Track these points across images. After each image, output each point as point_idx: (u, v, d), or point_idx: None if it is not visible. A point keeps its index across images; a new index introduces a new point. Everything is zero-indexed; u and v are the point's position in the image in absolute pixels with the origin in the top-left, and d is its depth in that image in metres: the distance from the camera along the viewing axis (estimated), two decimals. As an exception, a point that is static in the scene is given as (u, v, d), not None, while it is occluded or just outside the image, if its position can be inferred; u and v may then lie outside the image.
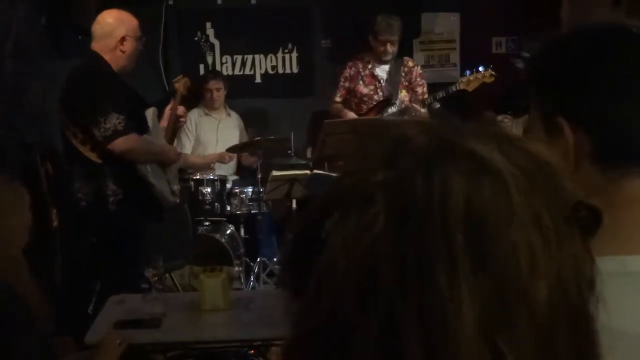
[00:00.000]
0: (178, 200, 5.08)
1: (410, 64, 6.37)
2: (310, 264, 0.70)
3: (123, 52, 4.52)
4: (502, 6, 7.47)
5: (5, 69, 5.16)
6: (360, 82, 6.31)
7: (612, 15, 6.99)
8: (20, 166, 5.10)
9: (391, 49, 6.16)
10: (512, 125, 6.20)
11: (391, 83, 6.24)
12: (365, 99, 6.28)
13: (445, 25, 7.58)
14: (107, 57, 4.49)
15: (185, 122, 5.43)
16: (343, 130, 5.12)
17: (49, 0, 5.98)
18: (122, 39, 4.50)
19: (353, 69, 6.36)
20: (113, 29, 4.51)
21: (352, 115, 6.19)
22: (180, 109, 5.10)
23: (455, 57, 7.60)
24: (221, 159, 6.72)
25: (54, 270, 4.97)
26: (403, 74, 6.28)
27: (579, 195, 0.73)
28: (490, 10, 7.49)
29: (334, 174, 4.86)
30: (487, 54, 7.54)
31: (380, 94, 6.26)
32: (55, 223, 4.84)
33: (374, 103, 6.25)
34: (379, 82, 6.28)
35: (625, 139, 1.18)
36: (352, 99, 6.36)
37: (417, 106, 5.98)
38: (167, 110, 5.05)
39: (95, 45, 4.54)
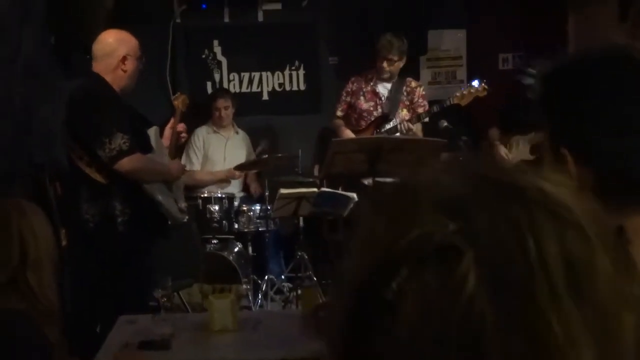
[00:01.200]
0: (186, 218, 5.09)
1: (413, 84, 6.38)
2: (370, 329, 0.64)
3: (124, 71, 4.53)
4: (508, 22, 7.50)
5: (15, 90, 5.20)
6: (362, 97, 6.35)
7: (619, 33, 7.01)
8: (30, 186, 5.13)
9: (389, 67, 6.17)
10: (520, 142, 6.23)
11: (392, 101, 6.27)
12: (364, 114, 6.31)
13: (451, 42, 7.61)
14: (108, 78, 4.50)
15: (186, 138, 5.45)
16: (351, 149, 5.13)
17: (58, 20, 6.02)
18: (124, 59, 4.52)
19: (355, 84, 6.41)
20: (114, 49, 4.53)
21: (349, 134, 6.20)
22: (180, 126, 5.12)
23: (462, 73, 7.62)
24: (230, 176, 6.76)
25: (62, 290, 4.98)
26: (405, 94, 6.31)
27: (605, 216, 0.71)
28: (496, 27, 7.52)
29: (341, 192, 4.87)
30: (494, 70, 7.57)
31: (380, 110, 6.29)
32: (64, 243, 4.86)
33: (372, 119, 6.27)
34: (380, 98, 6.31)
35: (625, 173, 1.19)
36: (352, 113, 6.40)
37: (409, 124, 5.97)
38: (168, 128, 5.07)
39: (97, 66, 4.56)
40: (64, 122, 4.47)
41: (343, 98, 6.46)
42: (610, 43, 1.33)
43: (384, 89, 6.32)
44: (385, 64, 6.16)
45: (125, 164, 4.31)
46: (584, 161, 1.20)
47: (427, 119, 6.12)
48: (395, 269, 0.63)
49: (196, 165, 6.84)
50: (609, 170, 1.18)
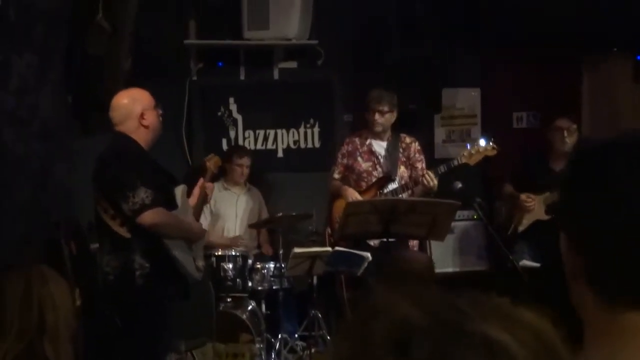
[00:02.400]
0: (201, 277, 5.10)
1: (408, 140, 6.31)
2: None
3: (146, 126, 4.60)
4: (522, 81, 7.53)
5: (32, 149, 5.26)
6: (359, 158, 6.27)
7: (633, 93, 7.03)
8: (45, 245, 5.16)
9: (380, 118, 6.12)
10: (535, 202, 6.20)
11: (389, 159, 6.21)
12: (364, 174, 6.23)
13: (466, 100, 7.64)
14: (133, 136, 4.58)
15: (210, 199, 5.50)
16: (365, 210, 5.14)
17: (76, 80, 6.11)
18: (142, 115, 4.59)
19: (350, 145, 6.34)
20: (130, 110, 4.59)
21: (354, 193, 6.14)
22: (209, 186, 5.18)
23: (476, 132, 7.63)
24: (234, 244, 6.75)
25: (77, 350, 4.98)
26: (401, 150, 6.25)
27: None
28: (510, 85, 7.56)
29: (355, 252, 4.88)
30: (508, 128, 7.58)
31: (379, 169, 6.22)
32: (78, 302, 4.87)
33: (373, 179, 6.23)
34: (377, 158, 6.24)
35: (616, 267, 1.14)
36: (351, 175, 6.31)
37: (431, 174, 5.87)
38: (197, 188, 5.12)
39: (120, 127, 4.62)
40: (92, 177, 4.50)
41: (339, 160, 6.38)
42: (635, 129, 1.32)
43: (380, 147, 6.27)
44: (376, 116, 6.09)
45: (147, 217, 4.36)
46: (577, 249, 1.18)
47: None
48: None
49: (204, 224, 6.83)
50: (601, 262, 1.15)
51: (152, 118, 4.63)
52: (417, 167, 6.16)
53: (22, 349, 2.54)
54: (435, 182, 5.78)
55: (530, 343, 0.73)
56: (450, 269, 7.00)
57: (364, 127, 6.41)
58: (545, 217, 6.17)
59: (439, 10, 7.05)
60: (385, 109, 6.09)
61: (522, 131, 7.61)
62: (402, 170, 6.19)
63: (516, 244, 6.16)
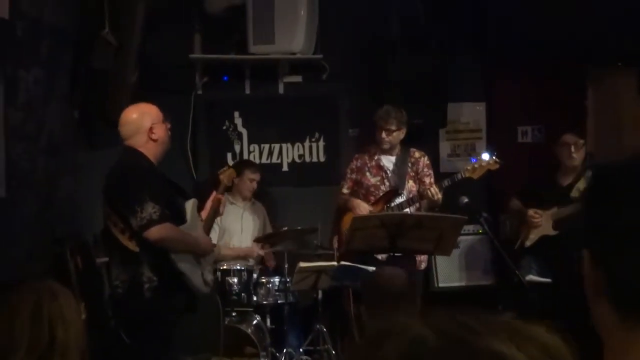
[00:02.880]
0: (208, 291, 5.10)
1: (417, 154, 6.35)
2: None
3: (155, 140, 4.64)
4: (527, 95, 7.54)
5: (39, 165, 5.28)
6: (367, 173, 6.31)
7: (639, 107, 7.03)
8: (51, 260, 5.17)
9: (387, 136, 6.15)
10: (541, 218, 6.20)
11: (398, 174, 6.24)
12: (372, 189, 6.27)
13: (471, 114, 7.65)
14: (142, 150, 4.61)
15: (223, 212, 5.49)
16: (371, 224, 5.14)
17: (82, 94, 6.13)
18: (151, 130, 4.63)
19: (359, 160, 6.39)
20: (140, 124, 4.63)
21: (360, 203, 6.16)
22: (222, 199, 5.20)
23: (481, 146, 7.63)
24: (249, 254, 6.78)
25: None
26: (410, 164, 6.28)
27: None
28: (515, 100, 7.56)
29: (360, 266, 4.86)
30: (513, 143, 7.58)
31: (387, 184, 6.25)
32: (83, 316, 4.87)
33: (381, 193, 6.25)
34: (386, 172, 6.27)
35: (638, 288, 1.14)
36: (360, 190, 6.35)
37: (435, 188, 5.89)
38: (210, 201, 5.14)
39: (129, 142, 4.64)
40: (102, 191, 4.55)
41: (348, 175, 6.44)
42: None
43: (388, 162, 6.30)
44: (383, 134, 6.14)
45: (154, 232, 4.39)
46: (601, 268, 1.18)
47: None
48: None
49: (214, 238, 6.84)
50: (624, 283, 1.15)
51: (161, 132, 4.66)
52: (424, 182, 6.17)
53: None
54: (440, 196, 5.80)
55: (540, 358, 0.74)
56: (456, 284, 7.00)
57: (372, 142, 6.43)
58: (553, 233, 6.16)
59: (443, 25, 7.06)
60: (393, 127, 6.11)
61: (527, 145, 7.60)
62: (411, 185, 6.21)
63: (523, 258, 6.16)
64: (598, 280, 1.17)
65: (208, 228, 5.07)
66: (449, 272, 6.95)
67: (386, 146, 6.20)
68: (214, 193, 5.17)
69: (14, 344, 2.56)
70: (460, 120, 7.63)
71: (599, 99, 7.56)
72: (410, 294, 3.37)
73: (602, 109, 7.51)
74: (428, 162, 6.36)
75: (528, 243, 6.26)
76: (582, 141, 6.34)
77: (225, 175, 5.34)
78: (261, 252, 6.85)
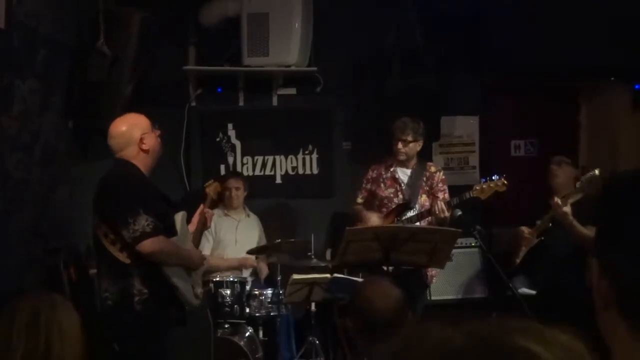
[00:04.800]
0: (199, 304, 5.10)
1: (433, 169, 6.36)
2: None
3: (146, 150, 4.59)
4: (520, 109, 7.61)
5: (33, 174, 5.29)
6: (382, 184, 6.30)
7: (632, 122, 7.09)
8: (45, 271, 5.18)
9: (403, 147, 6.16)
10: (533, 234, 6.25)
11: (412, 187, 6.24)
12: (385, 201, 6.26)
13: (464, 128, 7.69)
14: (134, 162, 4.58)
15: (210, 226, 5.50)
16: (365, 237, 5.16)
17: (76, 105, 6.15)
18: (141, 140, 4.59)
19: (375, 171, 6.37)
20: (129, 137, 4.60)
21: (372, 215, 6.18)
22: (209, 213, 5.20)
23: (474, 159, 7.68)
24: (242, 263, 6.80)
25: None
26: (424, 179, 6.28)
27: None
28: (508, 114, 7.64)
29: (354, 278, 4.87)
30: (506, 156, 7.65)
31: (401, 196, 6.24)
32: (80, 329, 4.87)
33: (394, 206, 6.26)
34: (400, 185, 6.26)
35: None
36: (373, 200, 6.34)
37: (443, 205, 5.90)
38: (197, 214, 5.13)
39: (120, 154, 4.63)
40: (93, 200, 4.51)
41: (364, 185, 6.43)
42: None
43: (403, 174, 6.29)
44: (400, 145, 6.14)
45: (147, 245, 4.35)
46: (609, 278, 1.18)
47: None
48: None
49: (207, 249, 6.85)
50: (631, 294, 1.15)
51: (151, 141, 4.63)
52: (438, 197, 6.17)
53: None
54: (447, 213, 5.81)
55: (563, 357, 0.76)
56: (449, 297, 7.02)
57: (363, 155, 6.48)
58: (535, 241, 6.22)
59: (438, 39, 7.11)
60: (409, 138, 6.12)
61: (520, 159, 7.67)
62: (424, 199, 6.21)
63: (515, 273, 6.20)
64: (608, 290, 1.17)
65: (197, 241, 5.06)
66: (442, 285, 6.97)
67: (402, 157, 6.20)
68: (201, 206, 5.18)
69: (10, 352, 2.57)
70: (453, 134, 7.68)
71: (592, 114, 7.62)
72: (398, 315, 3.27)
73: (596, 124, 7.57)
74: (443, 177, 6.36)
75: (517, 260, 6.32)
76: (565, 160, 6.36)
77: (211, 189, 5.35)
78: (254, 264, 6.87)
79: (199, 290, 4.87)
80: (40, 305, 2.64)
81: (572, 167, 6.40)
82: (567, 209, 5.81)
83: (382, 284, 3.48)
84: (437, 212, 5.86)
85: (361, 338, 3.27)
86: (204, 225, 5.15)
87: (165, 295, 4.55)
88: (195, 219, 5.13)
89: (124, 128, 4.64)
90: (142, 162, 4.60)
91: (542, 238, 6.20)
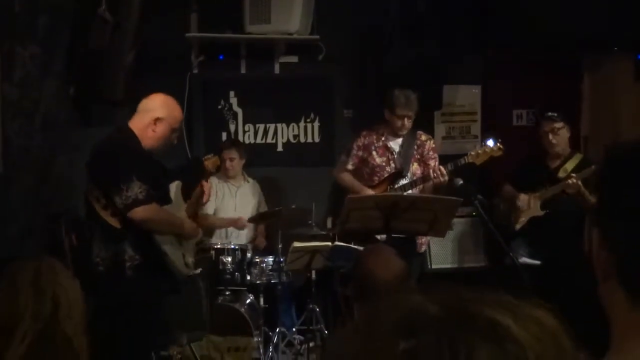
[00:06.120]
0: (191, 273, 5.10)
1: (423, 137, 6.34)
2: None
3: (154, 132, 4.57)
4: (523, 79, 7.57)
5: (34, 141, 5.30)
6: (374, 152, 6.27)
7: (634, 92, 7.06)
8: (46, 237, 5.20)
9: (408, 123, 6.16)
10: (531, 199, 6.26)
11: (404, 156, 6.22)
12: (377, 169, 6.25)
13: (466, 97, 7.68)
14: (137, 133, 4.56)
15: (207, 198, 5.48)
16: (366, 205, 5.16)
17: (78, 72, 6.13)
18: (157, 120, 4.56)
19: (367, 138, 6.31)
20: (153, 108, 4.59)
21: (364, 189, 6.15)
22: (207, 185, 5.20)
23: (476, 129, 7.68)
24: (234, 224, 6.82)
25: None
26: (416, 147, 6.27)
27: (579, 356, 0.80)
28: (511, 83, 7.60)
29: (355, 246, 4.89)
30: (508, 126, 7.63)
31: (393, 165, 6.24)
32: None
33: (386, 174, 6.26)
34: (392, 154, 6.25)
35: None
36: (364, 168, 6.32)
37: (443, 169, 5.86)
38: (199, 188, 5.11)
39: (133, 119, 4.60)
40: (86, 163, 4.49)
41: (354, 152, 6.36)
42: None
43: (395, 144, 6.27)
44: (405, 121, 6.12)
45: (139, 213, 4.35)
46: (609, 248, 1.17)
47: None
48: None
49: (210, 211, 6.88)
50: (631, 264, 1.14)
51: (162, 131, 4.59)
52: (429, 165, 6.16)
53: (41, 329, 2.58)
54: (447, 177, 5.81)
55: (534, 330, 0.77)
56: (448, 265, 7.05)
57: (364, 123, 6.45)
58: (541, 213, 6.24)
59: (441, 7, 7.07)
60: (413, 113, 6.10)
61: (521, 129, 7.65)
62: (415, 167, 6.21)
63: (513, 241, 6.21)
64: (607, 261, 1.16)
65: (190, 213, 5.05)
66: (442, 254, 7.00)
67: (404, 132, 6.20)
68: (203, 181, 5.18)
69: (20, 312, 2.60)
70: (455, 103, 7.66)
71: (594, 84, 7.59)
72: (405, 285, 3.28)
73: (598, 94, 7.55)
74: (434, 145, 6.36)
75: (518, 226, 6.33)
76: (559, 125, 6.34)
77: (209, 162, 5.35)
78: (246, 224, 6.84)
79: (190, 259, 4.87)
80: (41, 266, 2.67)
81: (565, 128, 6.38)
82: (580, 183, 5.86)
83: (384, 255, 3.48)
84: (437, 175, 5.85)
85: (361, 307, 3.29)
86: (200, 197, 5.15)
87: (157, 262, 4.55)
88: (196, 192, 5.13)
89: (157, 100, 4.63)
90: (145, 139, 4.56)
91: (547, 210, 6.22)
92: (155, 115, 4.57)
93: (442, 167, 5.87)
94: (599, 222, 1.22)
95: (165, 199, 4.64)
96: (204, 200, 5.27)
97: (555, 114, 6.38)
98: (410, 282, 3.32)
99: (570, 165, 6.28)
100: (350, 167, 6.36)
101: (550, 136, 6.32)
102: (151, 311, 4.57)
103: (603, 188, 1.24)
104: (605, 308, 1.19)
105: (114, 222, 4.43)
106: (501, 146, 5.97)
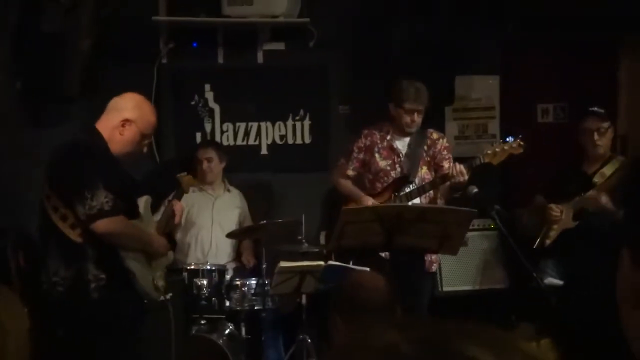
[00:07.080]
0: (162, 298, 5.11)
1: (435, 135, 6.36)
2: None
3: (121, 135, 4.62)
4: (549, 68, 7.58)
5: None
6: (377, 154, 6.29)
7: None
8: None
9: (418, 119, 6.17)
10: (564, 209, 6.27)
11: (411, 158, 6.22)
12: (381, 174, 6.26)
13: (482, 89, 7.70)
14: (105, 136, 4.59)
15: (179, 221, 5.50)
16: (364, 218, 5.16)
17: (26, 62, 6.13)
18: (126, 121, 4.62)
19: (369, 138, 6.34)
20: (125, 107, 4.65)
21: (368, 200, 6.15)
22: (179, 206, 5.23)
23: (494, 127, 7.69)
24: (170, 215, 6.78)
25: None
26: (425, 148, 6.29)
27: None
28: (535, 73, 7.60)
29: (352, 266, 4.89)
30: (532, 123, 7.63)
31: (399, 169, 6.26)
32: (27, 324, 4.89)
33: (390, 180, 6.28)
34: (398, 156, 6.27)
35: None
36: (367, 173, 6.34)
37: (462, 167, 5.84)
38: (169, 206, 5.14)
39: (101, 119, 4.64)
40: (46, 167, 4.51)
41: (355, 154, 6.38)
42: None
43: (402, 144, 6.29)
44: (415, 116, 6.14)
45: (103, 225, 4.38)
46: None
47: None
48: None
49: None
50: None
51: (131, 135, 4.64)
52: (443, 167, 6.16)
53: None
54: (467, 177, 5.81)
55: None
56: (463, 288, 7.03)
57: (363, 121, 6.45)
58: (573, 225, 6.23)
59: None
60: (422, 107, 6.12)
61: (547, 126, 7.66)
62: (424, 172, 6.21)
63: (542, 259, 6.21)
64: (639, 283, 1.17)
65: (160, 232, 5.08)
66: (455, 274, 7.00)
67: (414, 129, 6.21)
68: (173, 198, 5.21)
69: None
70: (470, 97, 7.68)
71: (633, 71, 7.59)
72: (389, 306, 3.38)
73: (638, 83, 7.55)
74: (447, 144, 6.37)
75: (548, 241, 6.32)
76: (605, 125, 6.35)
77: (183, 181, 5.38)
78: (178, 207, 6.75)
79: (161, 282, 4.89)
80: None
81: (611, 128, 6.40)
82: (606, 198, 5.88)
83: (367, 276, 3.56)
84: (455, 174, 5.85)
85: (341, 320, 3.37)
86: (169, 219, 5.17)
87: (125, 282, 4.57)
88: (166, 210, 5.15)
89: (129, 100, 4.70)
90: (111, 142, 4.60)
91: (578, 222, 6.22)
92: (124, 115, 4.61)
93: (461, 166, 5.85)
94: (628, 239, 1.22)
95: (132, 213, 4.66)
96: (175, 221, 5.31)
97: (602, 110, 6.39)
98: (395, 305, 3.40)
99: (608, 170, 6.27)
100: (350, 172, 6.38)
101: (596, 136, 6.31)
102: (117, 338, 4.57)
103: (632, 200, 1.24)
104: (629, 340, 1.19)
105: (74, 236, 4.45)
106: (522, 143, 5.97)
